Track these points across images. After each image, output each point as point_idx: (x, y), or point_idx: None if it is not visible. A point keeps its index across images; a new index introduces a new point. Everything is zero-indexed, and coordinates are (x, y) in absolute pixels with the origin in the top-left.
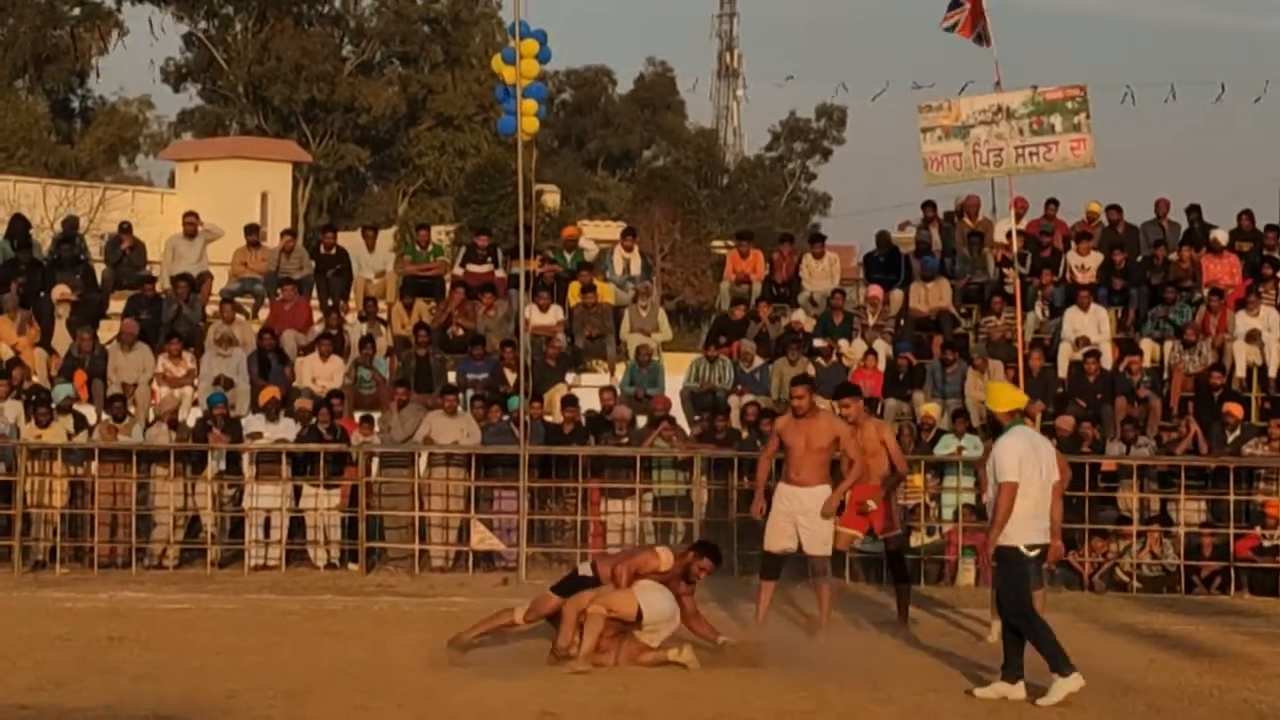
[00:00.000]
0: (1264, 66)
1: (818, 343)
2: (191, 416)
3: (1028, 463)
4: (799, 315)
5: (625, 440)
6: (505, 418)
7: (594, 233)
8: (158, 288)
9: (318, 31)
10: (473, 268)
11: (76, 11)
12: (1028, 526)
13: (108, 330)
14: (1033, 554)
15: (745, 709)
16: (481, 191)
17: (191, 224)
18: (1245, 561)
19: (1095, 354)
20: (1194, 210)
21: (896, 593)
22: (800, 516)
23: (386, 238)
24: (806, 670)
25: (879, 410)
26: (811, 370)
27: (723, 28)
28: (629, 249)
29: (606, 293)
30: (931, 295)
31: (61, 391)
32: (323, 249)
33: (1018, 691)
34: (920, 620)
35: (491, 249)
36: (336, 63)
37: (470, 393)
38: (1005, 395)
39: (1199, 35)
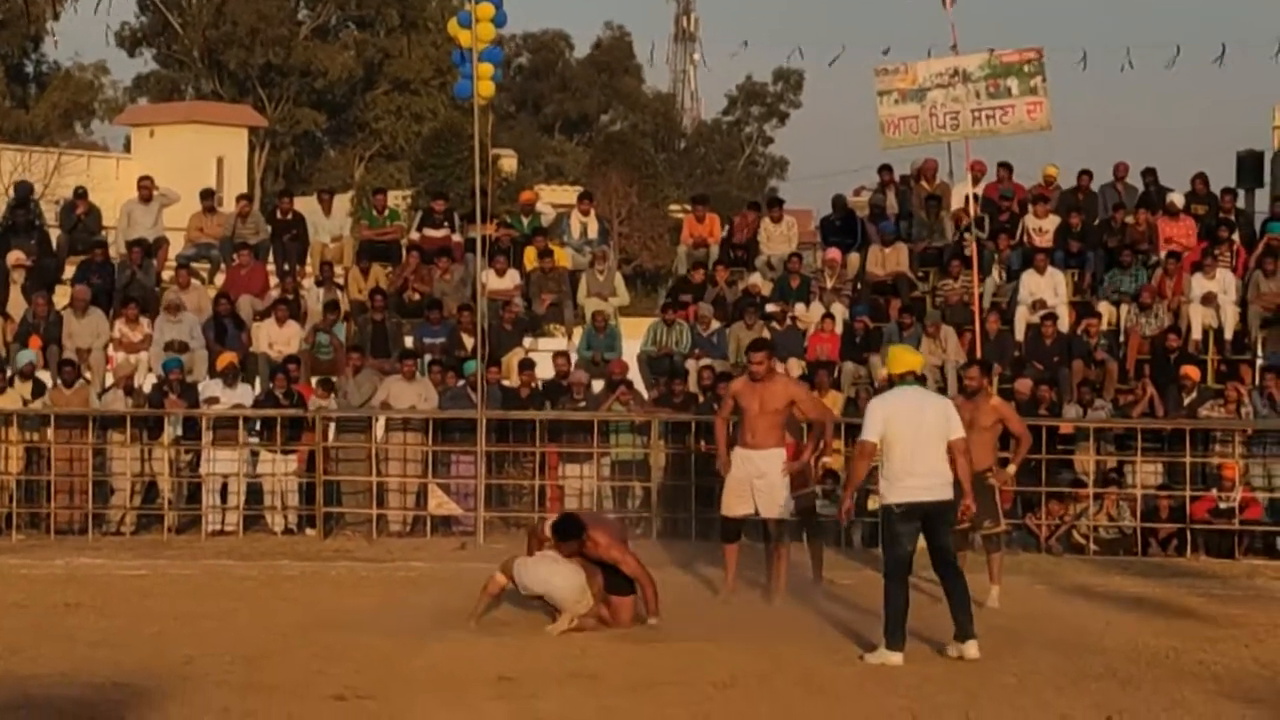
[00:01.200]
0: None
1: (770, 307)
2: (148, 382)
3: (897, 421)
4: (756, 279)
5: (582, 404)
6: (461, 382)
7: (551, 197)
8: (113, 253)
9: None
10: (429, 232)
11: None
12: (897, 485)
13: (64, 295)
14: (900, 511)
15: (702, 672)
16: (438, 156)
17: (147, 189)
18: (1201, 523)
19: (1052, 317)
20: (1150, 173)
21: (809, 550)
22: (756, 480)
23: (343, 202)
24: (764, 633)
25: (836, 373)
26: (767, 334)
27: None
28: (585, 213)
29: (563, 257)
30: (889, 259)
31: (23, 357)
32: (279, 214)
33: (971, 649)
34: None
35: (448, 213)
36: (292, 27)
37: (428, 358)
38: (899, 358)
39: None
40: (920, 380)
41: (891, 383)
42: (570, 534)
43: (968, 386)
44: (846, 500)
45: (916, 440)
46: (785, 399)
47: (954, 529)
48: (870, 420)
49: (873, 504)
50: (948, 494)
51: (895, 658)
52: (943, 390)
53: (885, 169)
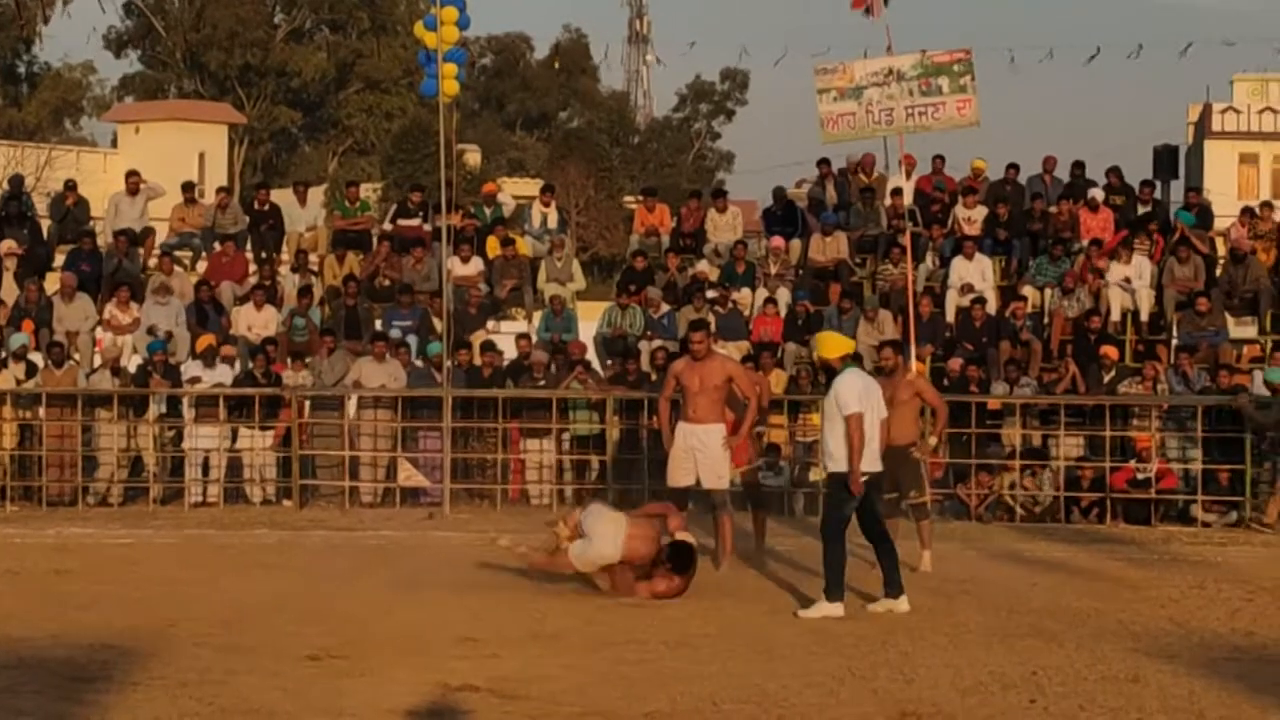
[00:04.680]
0: (1138, 29)
1: (710, 293)
2: (133, 363)
3: (864, 398)
4: (704, 265)
5: (542, 383)
6: (418, 362)
7: (512, 189)
8: (100, 242)
9: (251, 0)
10: (403, 222)
11: None
12: (869, 460)
13: (54, 282)
14: (862, 479)
15: (655, 633)
16: (407, 151)
17: (134, 182)
18: (1120, 493)
19: (981, 301)
20: (1078, 166)
21: (754, 519)
22: (698, 453)
23: (317, 194)
24: (712, 596)
25: (779, 354)
26: (712, 317)
27: None
28: (547, 204)
29: (524, 245)
30: (829, 247)
31: (17, 340)
32: (256, 205)
33: (901, 604)
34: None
35: (424, 205)
36: (269, 30)
37: (410, 338)
38: (835, 342)
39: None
40: (857, 360)
41: (827, 367)
42: (680, 560)
43: (884, 366)
44: (856, 476)
45: (872, 419)
46: (723, 376)
47: (884, 498)
48: (849, 396)
49: (814, 475)
50: (880, 465)
51: (837, 609)
52: (880, 370)
53: (823, 162)
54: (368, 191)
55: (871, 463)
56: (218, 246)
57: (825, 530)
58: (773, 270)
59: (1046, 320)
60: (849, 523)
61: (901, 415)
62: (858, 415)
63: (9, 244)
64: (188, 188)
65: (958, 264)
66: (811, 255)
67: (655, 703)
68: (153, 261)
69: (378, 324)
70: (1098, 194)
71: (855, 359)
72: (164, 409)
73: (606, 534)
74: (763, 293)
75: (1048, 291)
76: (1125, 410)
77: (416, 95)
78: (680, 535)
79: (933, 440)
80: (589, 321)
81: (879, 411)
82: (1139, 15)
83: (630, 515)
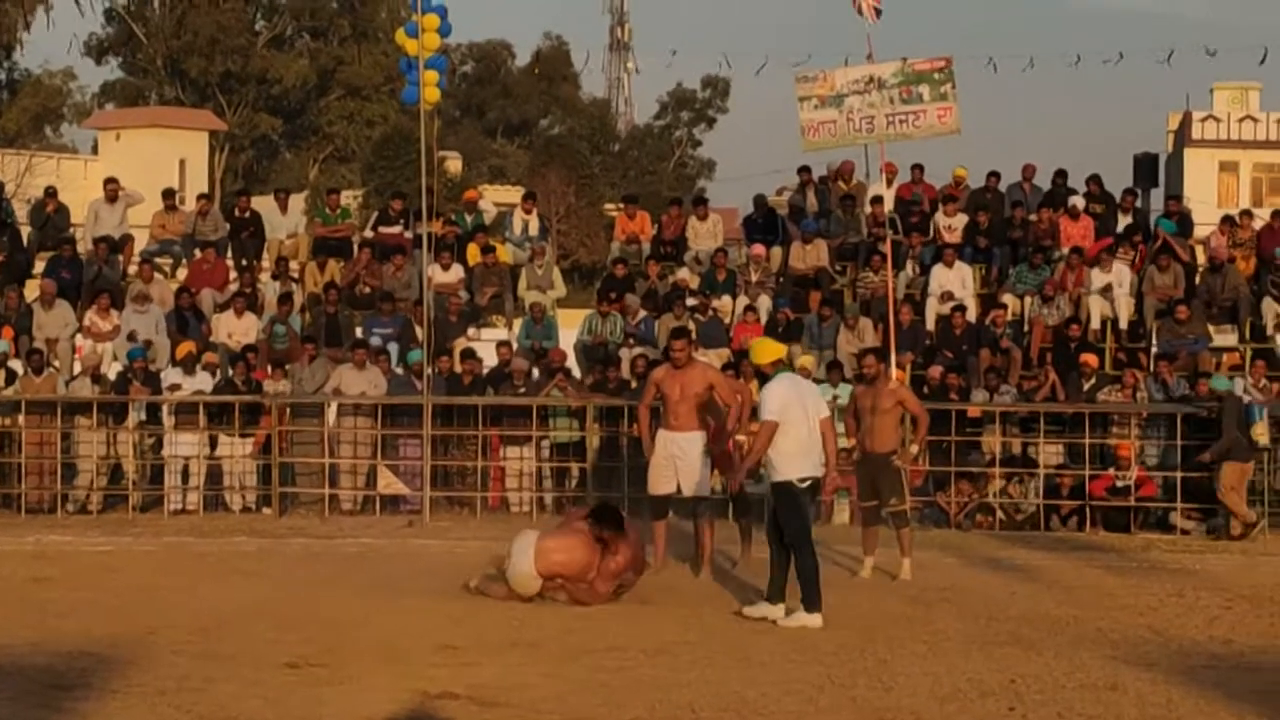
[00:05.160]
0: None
1: (690, 301)
2: (113, 370)
3: (792, 406)
4: (684, 273)
5: (522, 390)
6: (399, 370)
7: (493, 197)
8: (80, 249)
9: (232, 7)
10: (384, 229)
11: None
12: (797, 462)
13: (34, 289)
14: (804, 485)
15: (634, 640)
16: (388, 158)
17: (113, 189)
18: (1099, 500)
19: (961, 308)
20: (1060, 175)
21: (739, 528)
22: (678, 460)
23: (298, 201)
24: (692, 603)
25: None
26: (692, 325)
27: (614, 4)
28: (529, 212)
29: (504, 252)
30: (809, 254)
31: None
32: (237, 212)
33: (778, 612)
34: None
35: (404, 213)
36: (250, 37)
37: (391, 345)
38: (767, 349)
39: (1057, 9)
40: (788, 367)
41: (760, 372)
42: (606, 519)
43: (865, 374)
44: (741, 474)
45: (805, 423)
46: (704, 384)
47: (862, 505)
48: (769, 404)
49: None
50: (820, 471)
51: (815, 619)
52: (861, 378)
53: (804, 170)
54: (348, 199)
55: (810, 468)
56: (198, 254)
57: (792, 541)
58: (753, 278)
59: (1026, 328)
60: (811, 527)
61: (883, 423)
62: (769, 424)
63: None
64: (168, 194)
65: (939, 272)
66: (792, 263)
67: (634, 710)
68: (133, 268)
69: (358, 331)
70: (1078, 202)
71: (789, 366)
72: (144, 416)
73: (520, 550)
74: (743, 300)
75: (1028, 299)
76: (1105, 418)
77: (398, 102)
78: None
79: (914, 448)
80: (569, 329)
81: (815, 414)
82: (1119, 24)
83: (546, 531)
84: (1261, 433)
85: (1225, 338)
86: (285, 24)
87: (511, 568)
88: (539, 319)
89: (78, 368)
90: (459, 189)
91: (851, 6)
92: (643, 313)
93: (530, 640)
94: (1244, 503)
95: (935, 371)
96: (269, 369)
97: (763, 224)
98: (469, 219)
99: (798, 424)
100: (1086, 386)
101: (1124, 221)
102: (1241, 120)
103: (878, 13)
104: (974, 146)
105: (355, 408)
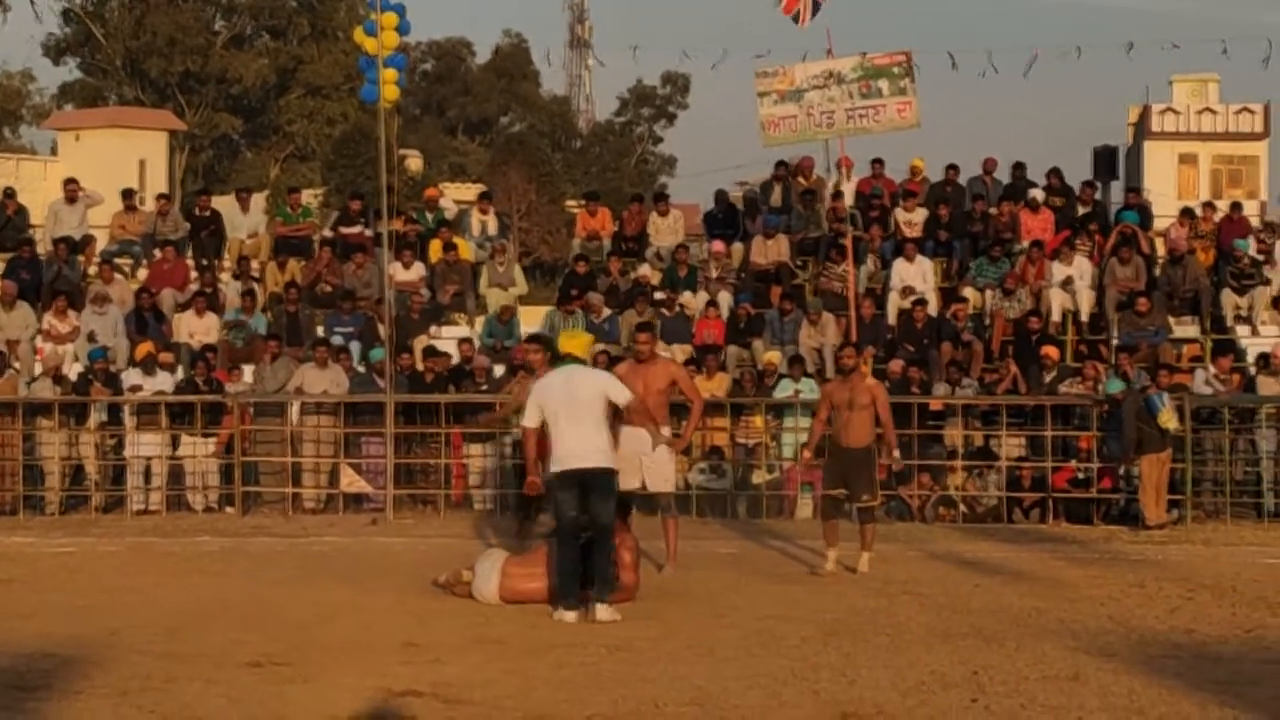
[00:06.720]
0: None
1: (657, 295)
2: (74, 371)
3: (550, 403)
4: (646, 269)
5: (485, 388)
6: (360, 368)
7: (454, 194)
8: (40, 250)
9: (191, 7)
10: (345, 229)
11: None
12: (555, 456)
13: None
14: (557, 480)
15: (597, 637)
16: (348, 156)
17: (73, 190)
18: (1061, 492)
19: (922, 302)
20: (1019, 168)
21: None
22: (643, 456)
23: (259, 201)
24: (655, 598)
25: (722, 357)
26: (656, 320)
27: (574, 1)
28: (485, 212)
29: (466, 250)
30: (770, 250)
31: None
32: (197, 211)
33: (605, 614)
34: (761, 551)
35: (364, 212)
36: (209, 36)
37: (353, 343)
38: (566, 342)
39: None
40: (580, 361)
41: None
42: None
43: (844, 365)
44: (531, 485)
45: (570, 415)
46: (667, 379)
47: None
48: (529, 409)
49: (756, 477)
50: (603, 462)
51: (569, 615)
52: (820, 371)
53: (781, 164)
54: (309, 197)
55: (592, 459)
56: (158, 253)
57: (554, 532)
58: (714, 274)
59: (987, 321)
60: (575, 523)
61: (859, 419)
62: (525, 430)
63: None
64: (128, 195)
65: (899, 266)
66: (753, 258)
67: (597, 706)
68: (93, 269)
69: (320, 330)
70: (1038, 195)
71: (579, 360)
72: (105, 417)
73: (484, 573)
74: (704, 296)
75: (989, 293)
76: (1066, 410)
77: (357, 101)
78: None
79: (896, 453)
80: (531, 326)
81: (583, 406)
82: (1078, 16)
83: (512, 555)
84: (1169, 419)
85: (1186, 329)
86: (244, 23)
87: (475, 588)
88: (505, 321)
89: (39, 369)
90: (420, 187)
91: (786, 13)
92: (607, 311)
93: (494, 637)
94: (1163, 502)
95: (897, 365)
96: (230, 369)
97: (723, 219)
98: (430, 217)
99: (556, 419)
100: (1048, 379)
101: (1083, 212)
102: (1201, 112)
103: (814, 11)
104: (934, 140)
105: (318, 406)
